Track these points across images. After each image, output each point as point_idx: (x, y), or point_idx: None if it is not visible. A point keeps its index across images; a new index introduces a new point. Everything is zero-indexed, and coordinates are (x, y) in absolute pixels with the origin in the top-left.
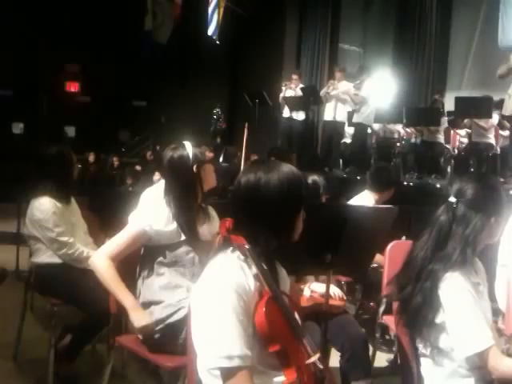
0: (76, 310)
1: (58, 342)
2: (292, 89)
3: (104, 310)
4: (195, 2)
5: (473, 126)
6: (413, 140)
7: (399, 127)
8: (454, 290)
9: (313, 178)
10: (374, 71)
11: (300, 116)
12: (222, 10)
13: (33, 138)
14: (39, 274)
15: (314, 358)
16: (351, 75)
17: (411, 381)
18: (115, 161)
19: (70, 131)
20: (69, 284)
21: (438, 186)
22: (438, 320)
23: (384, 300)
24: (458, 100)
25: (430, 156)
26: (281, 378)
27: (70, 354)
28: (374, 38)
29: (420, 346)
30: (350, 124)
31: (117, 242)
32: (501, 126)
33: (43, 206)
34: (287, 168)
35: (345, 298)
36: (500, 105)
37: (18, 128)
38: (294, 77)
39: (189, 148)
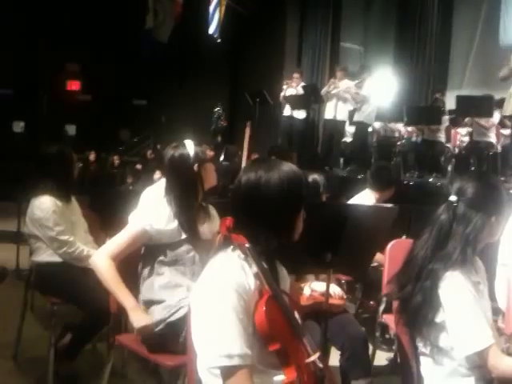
0: (76, 309)
1: (58, 341)
2: (293, 87)
3: (104, 309)
4: (196, 1)
5: (474, 125)
6: (413, 139)
7: (400, 126)
8: (455, 289)
9: (313, 176)
10: (374, 70)
11: (301, 115)
12: (223, 8)
13: (33, 137)
14: (39, 273)
15: (314, 357)
16: (352, 74)
17: (411, 380)
18: (116, 160)
19: (71, 130)
20: (69, 283)
21: (439, 184)
22: (438, 319)
23: (384, 299)
24: (458, 99)
25: (431, 155)
26: (281, 377)
27: (70, 353)
28: (374, 36)
29: (420, 345)
30: (351, 123)
31: (117, 241)
32: (502, 124)
33: (43, 204)
34: (288, 167)
35: (345, 296)
36: (501, 103)
37: (18, 127)
38: (296, 75)
39: (190, 147)
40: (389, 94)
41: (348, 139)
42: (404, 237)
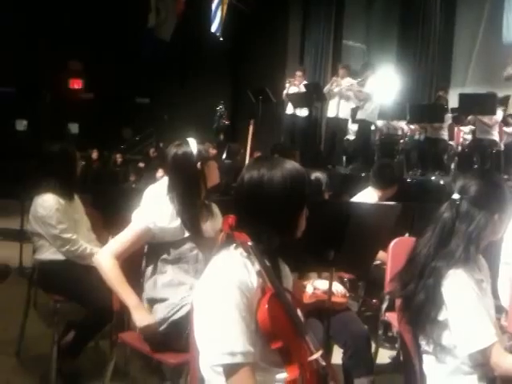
0: (79, 306)
1: (61, 339)
2: (296, 85)
3: (107, 306)
4: None
5: (477, 123)
6: (416, 137)
7: (403, 124)
8: (458, 287)
9: (315, 175)
10: (377, 68)
11: (303, 113)
12: (225, 6)
13: (36, 136)
14: (42, 271)
15: (317, 355)
16: (355, 72)
17: (414, 378)
18: (118, 158)
19: (74, 128)
20: (72, 281)
21: (442, 182)
22: (441, 317)
23: (387, 297)
24: (461, 97)
25: (434, 153)
26: (283, 375)
27: (73, 351)
28: (377, 34)
29: (423, 343)
30: (354, 121)
31: (121, 240)
32: (505, 122)
33: (46, 202)
34: (290, 165)
35: (347, 294)
36: (504, 101)
37: (21, 125)
38: (298, 73)
39: (193, 145)
40: (392, 91)
41: (351, 137)
42: (407, 235)
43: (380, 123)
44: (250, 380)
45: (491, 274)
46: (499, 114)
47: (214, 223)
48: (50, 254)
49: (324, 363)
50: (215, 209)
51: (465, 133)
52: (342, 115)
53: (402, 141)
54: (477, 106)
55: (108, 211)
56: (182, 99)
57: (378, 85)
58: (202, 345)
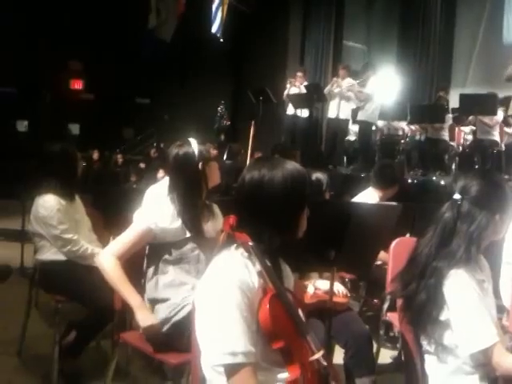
0: (80, 306)
1: (63, 339)
2: (296, 86)
3: (108, 306)
4: (199, 0)
5: (477, 123)
6: (417, 137)
7: (403, 124)
8: (459, 287)
9: (316, 175)
10: (378, 68)
11: (304, 113)
12: (225, 7)
13: (37, 136)
14: (44, 271)
15: (318, 355)
16: (356, 72)
17: (415, 378)
18: (119, 158)
19: (74, 129)
20: (73, 281)
21: (443, 183)
22: (443, 317)
23: (388, 297)
24: (462, 97)
25: (435, 153)
26: (284, 375)
27: (74, 351)
28: (378, 35)
29: (424, 343)
30: (354, 121)
31: (123, 240)
32: (505, 123)
33: (47, 203)
34: (291, 165)
35: (349, 295)
36: (505, 102)
37: (22, 126)
38: (299, 74)
39: (194, 145)
40: (392, 92)
41: (351, 138)
42: (408, 235)
43: (381, 124)
44: (252, 380)
45: (492, 273)
46: (500, 115)
47: (215, 223)
48: (51, 254)
49: (325, 363)
50: (216, 209)
51: (465, 133)
52: (342, 116)
53: (402, 141)
54: (477, 106)
55: (109, 212)
56: (183, 99)
57: (378, 85)
58: (204, 345)
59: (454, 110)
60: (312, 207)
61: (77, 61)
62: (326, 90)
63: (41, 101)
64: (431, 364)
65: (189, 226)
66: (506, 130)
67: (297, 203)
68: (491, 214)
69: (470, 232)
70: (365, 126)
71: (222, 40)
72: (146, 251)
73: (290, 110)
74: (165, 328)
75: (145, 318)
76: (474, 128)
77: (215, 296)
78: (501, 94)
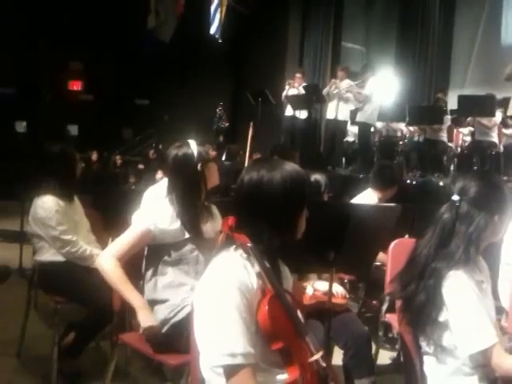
0: (79, 307)
1: (62, 340)
2: (295, 87)
3: (107, 307)
4: (198, 1)
5: (476, 125)
6: (416, 138)
7: (402, 125)
8: (458, 288)
9: (315, 176)
10: (376, 70)
11: (303, 114)
12: (224, 8)
13: (36, 137)
14: (43, 272)
15: (317, 356)
16: (355, 74)
17: (414, 379)
18: (118, 159)
19: (73, 130)
20: (72, 282)
21: (441, 184)
22: (442, 318)
23: (387, 298)
24: (461, 98)
25: (433, 154)
26: (284, 376)
27: (73, 352)
28: (376, 36)
29: (423, 344)
30: (353, 122)
31: (122, 242)
32: (504, 124)
33: (46, 204)
34: (290, 166)
35: (347, 296)
36: (503, 103)
37: (21, 127)
38: (298, 75)
39: (193, 146)
40: (391, 93)
41: (350, 139)
42: (407, 236)
43: (379, 125)
44: (251, 381)
45: (491, 274)
46: (498, 116)
47: (214, 224)
48: (50, 255)
49: (324, 364)
50: (215, 210)
51: (464, 134)
52: (341, 117)
53: (401, 142)
54: (476, 107)
55: (108, 212)
56: (182, 100)
57: (377, 86)
58: (203, 346)
59: (452, 112)
60: (311, 208)
61: (77, 61)
62: (324, 92)
63: (40, 101)
64: (430, 365)
65: (188, 227)
66: (505, 131)
67: (296, 204)
68: (490, 215)
69: (469, 233)
70: (364, 128)
71: (220, 41)
72: (145, 253)
73: (289, 111)
74: (164, 329)
75: (146, 318)
76: (472, 129)
77: (214, 297)
78: (499, 96)
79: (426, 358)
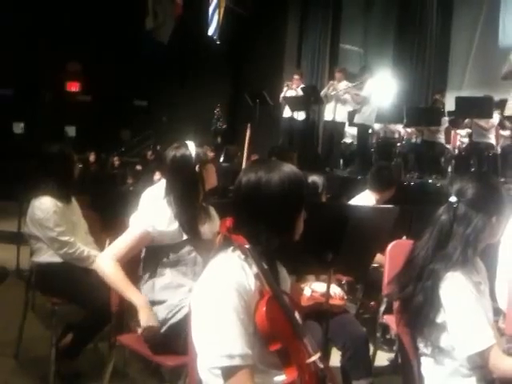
0: (77, 308)
1: (60, 341)
2: (293, 89)
3: (105, 308)
4: (196, 2)
5: (473, 126)
6: (413, 140)
7: (400, 127)
8: (456, 290)
9: (312, 178)
10: (374, 71)
11: (301, 116)
12: (222, 10)
13: (33, 138)
14: (40, 273)
15: (315, 357)
16: (353, 75)
17: (412, 380)
18: (116, 160)
19: (71, 131)
20: (70, 283)
21: (439, 185)
22: (439, 319)
23: (385, 299)
24: (458, 100)
25: (431, 156)
26: (281, 377)
27: (71, 353)
28: (374, 38)
29: (421, 346)
30: (351, 124)
31: (120, 244)
32: (501, 125)
33: (44, 205)
34: (288, 168)
35: (345, 297)
36: (501, 105)
37: (18, 128)
38: (296, 77)
39: (191, 147)
40: (389, 95)
41: (348, 140)
42: (404, 237)
43: (377, 126)
44: (249, 382)
45: (489, 276)
46: (496, 118)
47: (212, 226)
48: (47, 256)
49: (322, 365)
50: (213, 211)
51: (461, 136)
52: (338, 118)
53: (399, 144)
54: (473, 109)
55: (105, 214)
56: (181, 101)
57: (375, 88)
58: (201, 347)
59: (450, 113)
60: (309, 210)
61: (76, 62)
62: (322, 93)
63: (39, 101)
64: (428, 366)
65: (186, 229)
66: (502, 132)
67: (294, 205)
68: (487, 217)
69: (467, 234)
70: (362, 129)
71: (218, 42)
72: (143, 254)
73: (287, 112)
74: (162, 330)
75: (147, 318)
76: (469, 131)
77: (212, 298)
78: (497, 97)
79: (423, 360)
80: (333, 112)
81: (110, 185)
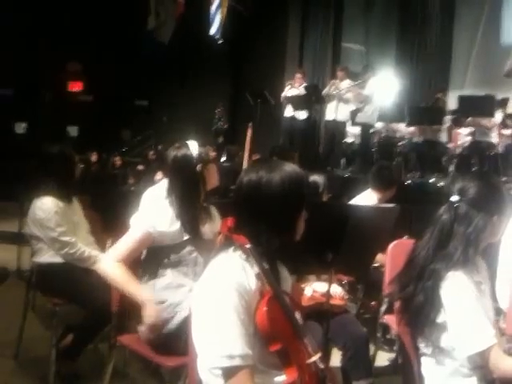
0: (78, 309)
1: (60, 341)
2: (296, 88)
3: (106, 308)
4: (198, 1)
5: (475, 125)
6: (415, 139)
7: (401, 126)
8: (456, 289)
9: (313, 178)
10: (376, 70)
11: (302, 115)
12: (224, 9)
13: (35, 138)
14: (41, 274)
15: (316, 358)
16: (354, 74)
17: (412, 380)
18: (117, 160)
19: (73, 131)
20: (70, 283)
21: (440, 185)
22: (440, 319)
23: (385, 299)
24: (460, 99)
25: (432, 155)
26: (282, 378)
27: (71, 353)
28: (376, 37)
29: (421, 346)
30: (353, 123)
31: (122, 246)
32: (503, 124)
33: (45, 205)
34: (289, 167)
35: (346, 297)
36: (503, 104)
37: (20, 128)
38: (298, 75)
39: (193, 147)
40: (390, 94)
41: (349, 140)
42: (405, 237)
43: (379, 125)
44: (249, 383)
45: (489, 275)
46: (498, 117)
47: (213, 226)
48: (48, 256)
49: (323, 365)
50: (214, 211)
51: (463, 135)
52: (340, 118)
53: (400, 143)
54: (475, 108)
55: (107, 214)
56: (181, 101)
57: (377, 87)
58: (201, 347)
59: (452, 112)
60: (310, 209)
61: (76, 62)
62: (324, 92)
63: (40, 101)
64: (428, 366)
65: (187, 229)
66: (504, 131)
67: (295, 205)
68: (489, 216)
69: (468, 234)
70: (365, 128)
71: (221, 42)
72: (143, 256)
73: (288, 111)
74: (164, 330)
75: (151, 314)
76: (471, 130)
77: (212, 298)
78: (499, 96)
79: (424, 360)
80: (334, 111)
81: (111, 185)
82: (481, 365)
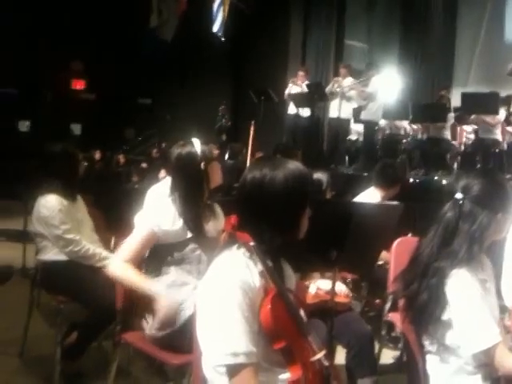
0: (82, 307)
1: (65, 339)
2: (298, 85)
3: (110, 306)
4: None
5: (479, 122)
6: (419, 136)
7: (405, 123)
8: (461, 287)
9: (317, 175)
10: (380, 68)
11: (305, 113)
12: (227, 7)
13: (39, 136)
14: (45, 272)
15: (320, 355)
16: (357, 72)
17: (417, 378)
18: (121, 158)
19: (76, 129)
20: (75, 281)
21: (444, 182)
22: (445, 317)
23: (390, 297)
24: (464, 96)
25: (436, 152)
26: (286, 375)
27: (76, 351)
28: (379, 34)
29: (426, 343)
30: (357, 121)
31: (128, 247)
32: (507, 122)
33: (49, 203)
34: (293, 165)
35: (350, 295)
36: (507, 101)
37: (24, 126)
38: (301, 73)
39: (197, 145)
40: (394, 91)
41: (353, 137)
42: (410, 235)
43: (382, 123)
44: (253, 380)
45: (494, 273)
46: (502, 114)
47: (217, 223)
48: (53, 254)
49: (327, 363)
50: (217, 209)
51: (467, 132)
52: (343, 115)
53: (404, 140)
54: (479, 105)
55: (111, 212)
56: (184, 99)
57: (381, 84)
58: (205, 345)
59: (455, 109)
60: (314, 207)
61: (78, 61)
62: (327, 90)
63: (42, 101)
64: (433, 364)
65: (190, 227)
66: (508, 129)
67: (298, 203)
68: (493, 214)
69: (472, 231)
70: (369, 126)
71: (223, 39)
72: (146, 254)
73: (292, 109)
74: (165, 331)
75: (168, 300)
76: (475, 127)
77: (217, 296)
78: (503, 93)
79: (428, 357)
80: (338, 109)
81: (115, 183)
82: (485, 363)
